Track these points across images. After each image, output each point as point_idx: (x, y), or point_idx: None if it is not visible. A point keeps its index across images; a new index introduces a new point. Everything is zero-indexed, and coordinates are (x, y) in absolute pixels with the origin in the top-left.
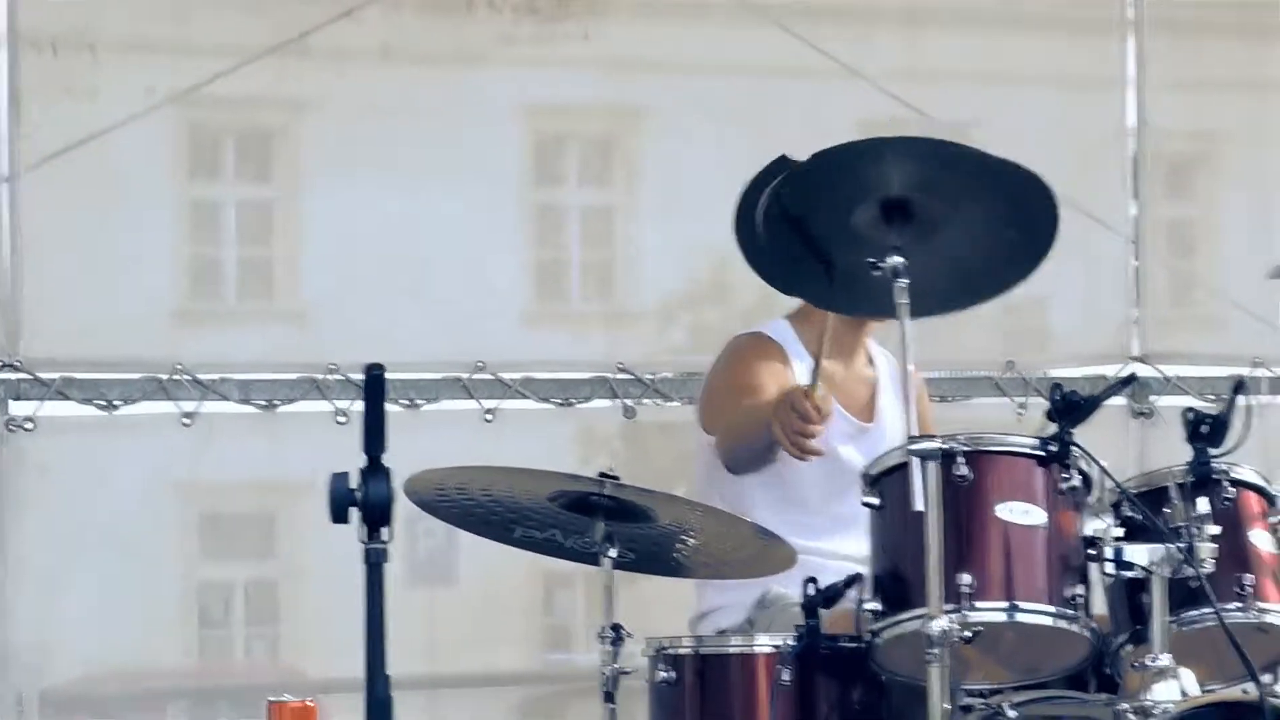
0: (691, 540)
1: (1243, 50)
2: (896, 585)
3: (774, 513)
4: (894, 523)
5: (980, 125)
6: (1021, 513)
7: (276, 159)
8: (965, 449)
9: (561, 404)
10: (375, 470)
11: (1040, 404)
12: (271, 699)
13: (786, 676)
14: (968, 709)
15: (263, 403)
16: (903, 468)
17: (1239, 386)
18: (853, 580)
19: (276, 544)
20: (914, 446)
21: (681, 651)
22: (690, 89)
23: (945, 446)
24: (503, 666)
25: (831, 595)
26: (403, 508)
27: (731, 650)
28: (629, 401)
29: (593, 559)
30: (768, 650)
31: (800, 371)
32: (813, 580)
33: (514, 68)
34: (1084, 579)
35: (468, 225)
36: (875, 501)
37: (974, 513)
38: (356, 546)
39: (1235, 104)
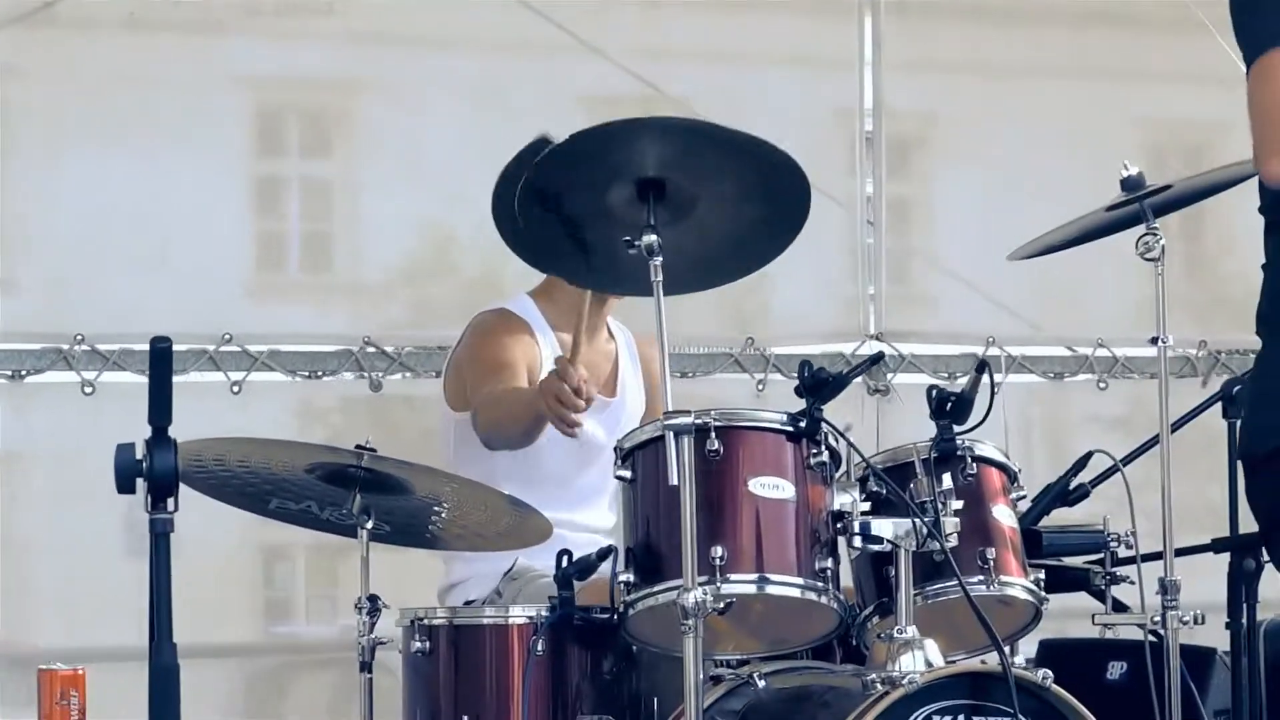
0: (446, 513)
1: (974, 33)
2: (649, 557)
3: (522, 486)
4: (646, 496)
5: (718, 103)
6: (772, 487)
7: (19, 129)
8: (717, 424)
9: (308, 377)
10: (161, 441)
11: (779, 380)
12: (41, 667)
13: (540, 647)
14: (718, 679)
15: (7, 373)
16: (655, 442)
17: (982, 365)
18: (606, 553)
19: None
20: (669, 422)
21: (436, 622)
22: (425, 63)
23: (699, 422)
24: (226, 638)
25: (585, 567)
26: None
27: (486, 621)
28: (376, 375)
29: (349, 530)
30: (522, 621)
31: (545, 346)
32: (567, 552)
33: (250, 38)
34: (833, 552)
35: (202, 197)
36: (627, 475)
37: (726, 487)
38: (82, 518)
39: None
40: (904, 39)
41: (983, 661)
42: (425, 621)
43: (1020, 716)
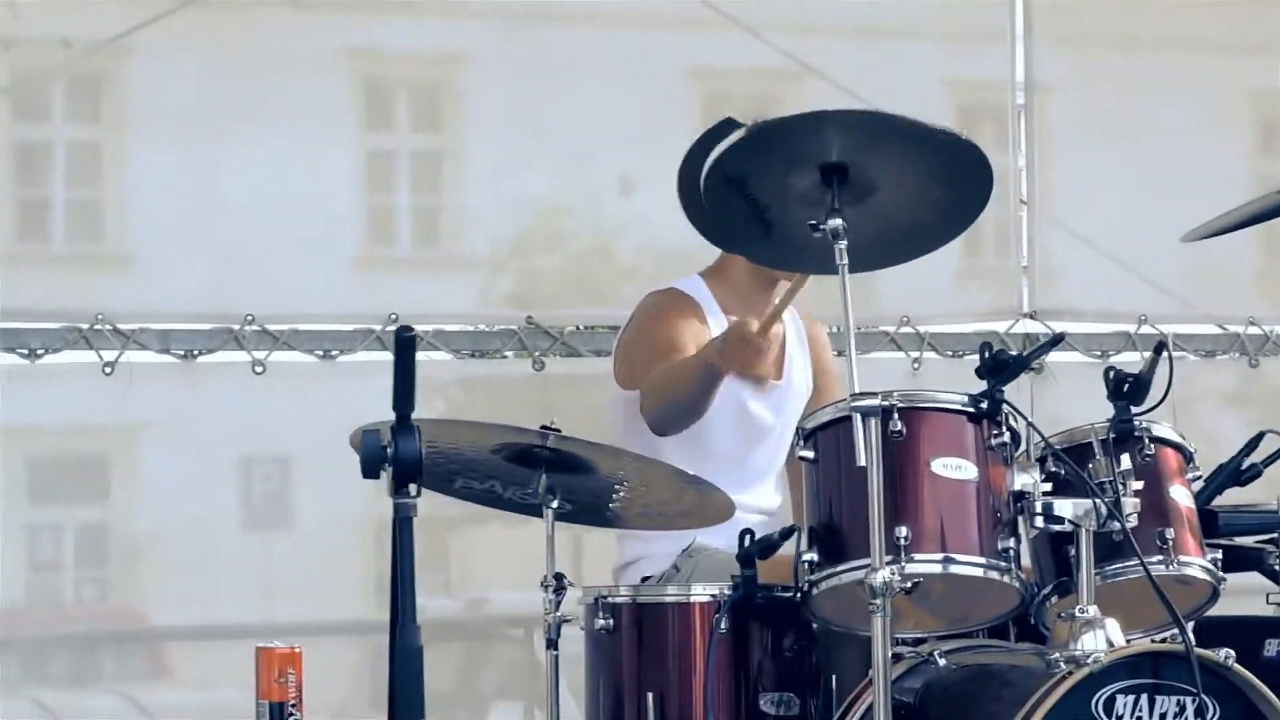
0: (627, 492)
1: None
2: (832, 537)
3: (690, 467)
4: (829, 476)
5: (866, 78)
6: (955, 468)
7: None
8: (901, 405)
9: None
10: (404, 427)
11: (934, 359)
12: (259, 644)
13: (724, 625)
14: (898, 657)
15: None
16: (837, 423)
17: (1160, 346)
18: (788, 532)
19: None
20: (856, 404)
21: (619, 600)
22: (531, 36)
23: (884, 404)
24: (342, 614)
25: (767, 546)
26: (238, 454)
27: (669, 599)
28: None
29: (530, 509)
30: (705, 599)
31: (715, 328)
32: (749, 531)
33: (358, 14)
34: (1014, 532)
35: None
36: (810, 455)
37: (909, 467)
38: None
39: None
40: (1055, 12)
41: (1164, 640)
42: (609, 599)
43: (1204, 695)
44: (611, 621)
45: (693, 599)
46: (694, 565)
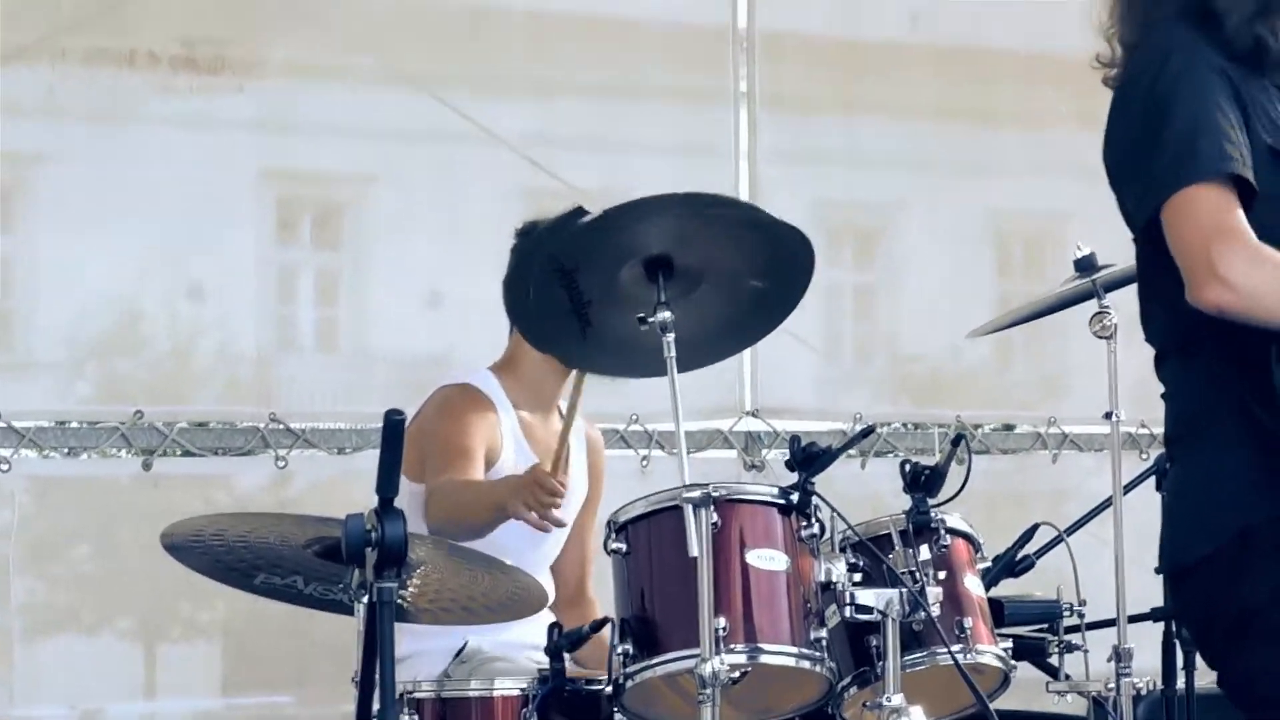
0: (419, 582)
1: (846, 124)
2: (647, 629)
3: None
4: (643, 568)
5: (608, 191)
6: (768, 559)
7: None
8: (717, 496)
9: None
10: (389, 511)
11: (661, 456)
12: None
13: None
14: None
15: None
16: (652, 515)
17: (958, 439)
18: (599, 625)
19: None
20: (687, 495)
21: (423, 695)
22: None
23: (715, 495)
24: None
25: (576, 640)
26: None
27: (473, 693)
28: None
29: (333, 604)
30: (513, 693)
31: (506, 424)
32: (557, 625)
33: None
34: (824, 622)
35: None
36: (622, 548)
37: (724, 559)
38: None
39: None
40: (779, 129)
41: None
42: (413, 695)
43: None
44: (416, 718)
45: (496, 693)
46: (468, 671)
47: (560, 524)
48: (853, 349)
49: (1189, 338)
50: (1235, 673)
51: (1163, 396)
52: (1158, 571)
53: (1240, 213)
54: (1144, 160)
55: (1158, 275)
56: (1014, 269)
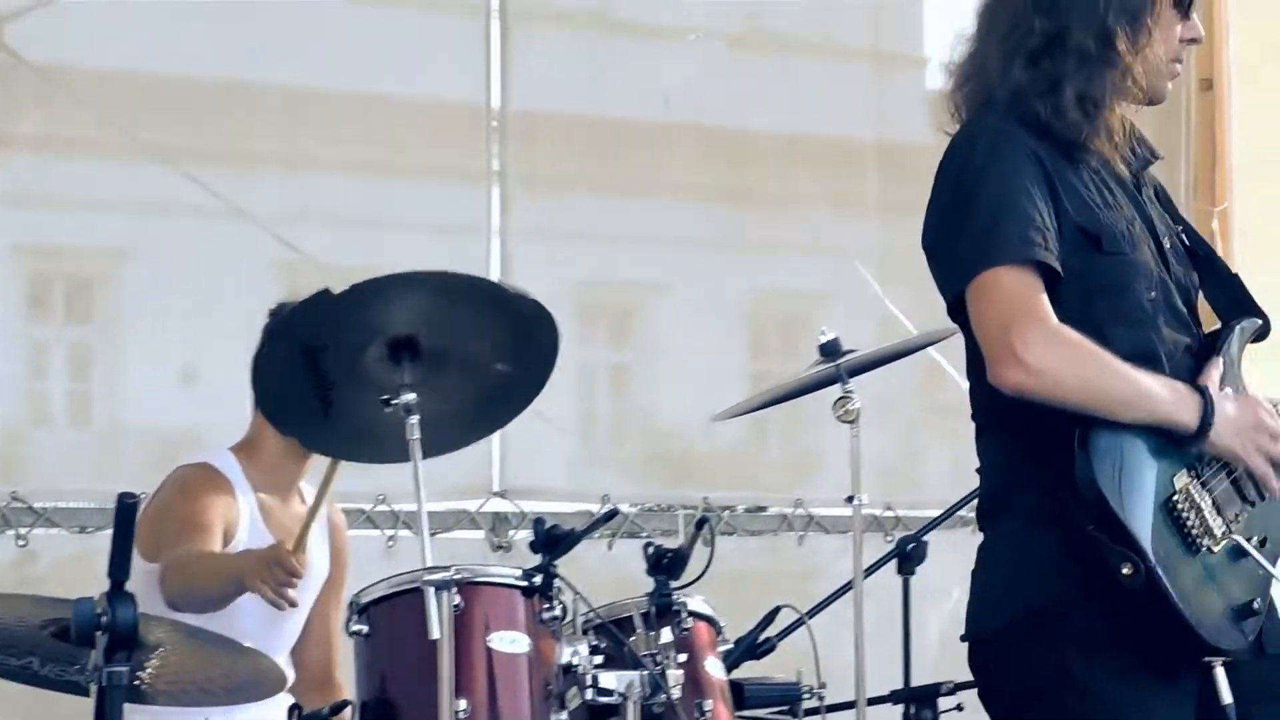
0: (158, 664)
1: (598, 204)
2: (387, 712)
3: None
4: (384, 650)
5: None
6: (510, 641)
7: None
8: (459, 579)
9: None
10: (120, 595)
11: (408, 536)
12: None
13: None
14: None
15: None
16: (394, 597)
17: (701, 521)
18: (339, 707)
19: None
20: (429, 577)
21: None
22: None
23: (456, 577)
24: None
25: None
26: None
27: None
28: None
29: (69, 686)
30: None
31: (245, 505)
32: (297, 707)
33: None
34: (564, 704)
35: None
36: (364, 630)
37: (466, 641)
38: None
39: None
40: (531, 208)
41: None
42: None
43: None
44: None
45: None
46: None
47: (294, 604)
48: (608, 429)
49: (999, 414)
50: None
51: (977, 470)
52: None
53: (1042, 296)
54: (951, 241)
55: (970, 353)
56: (769, 349)
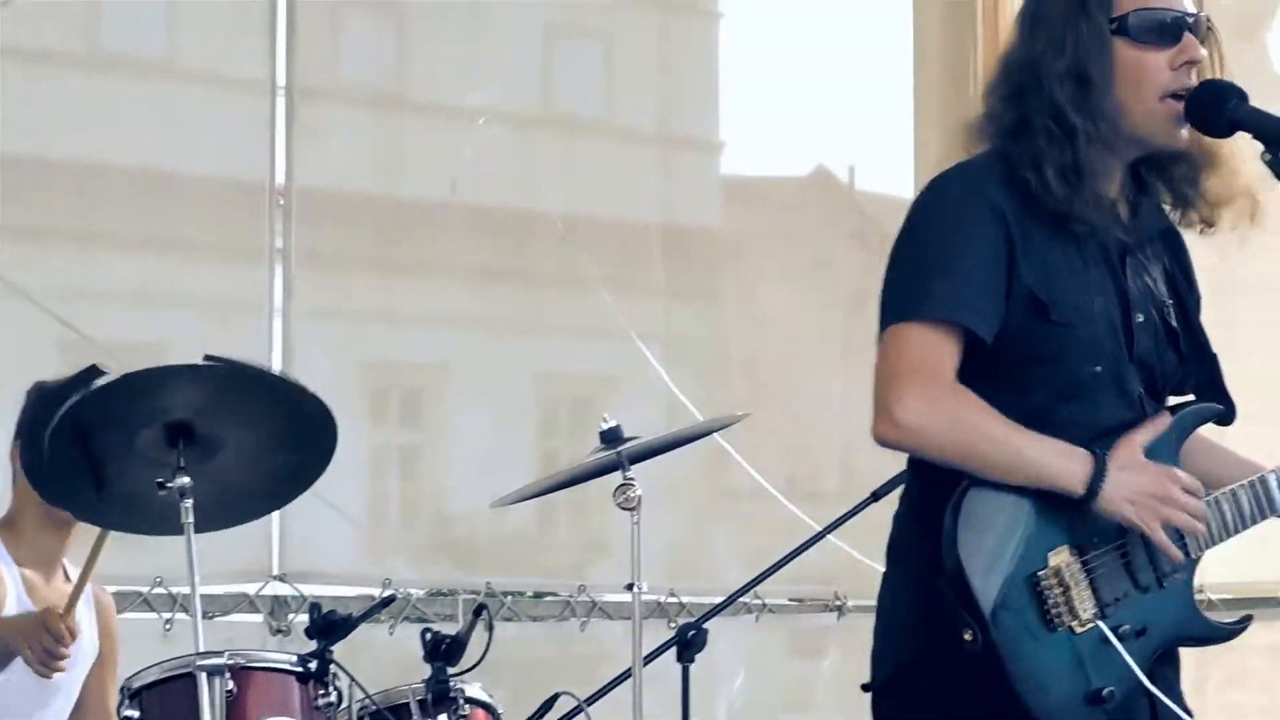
0: None
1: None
2: None
3: None
4: None
5: (143, 346)
6: None
7: None
8: (231, 664)
9: None
10: None
11: (184, 619)
12: None
13: None
14: None
15: None
16: (166, 682)
17: (480, 608)
18: None
19: None
20: (202, 662)
21: None
22: None
23: (229, 663)
24: None
25: None
26: None
27: None
28: None
29: None
30: None
31: (9, 580)
32: None
33: None
34: None
35: None
36: (135, 715)
37: None
38: None
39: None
40: (315, 288)
41: None
42: None
43: None
44: None
45: None
46: None
47: (61, 670)
48: (395, 511)
49: (912, 466)
50: None
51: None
52: None
53: (946, 355)
54: (887, 287)
55: None
56: (559, 429)
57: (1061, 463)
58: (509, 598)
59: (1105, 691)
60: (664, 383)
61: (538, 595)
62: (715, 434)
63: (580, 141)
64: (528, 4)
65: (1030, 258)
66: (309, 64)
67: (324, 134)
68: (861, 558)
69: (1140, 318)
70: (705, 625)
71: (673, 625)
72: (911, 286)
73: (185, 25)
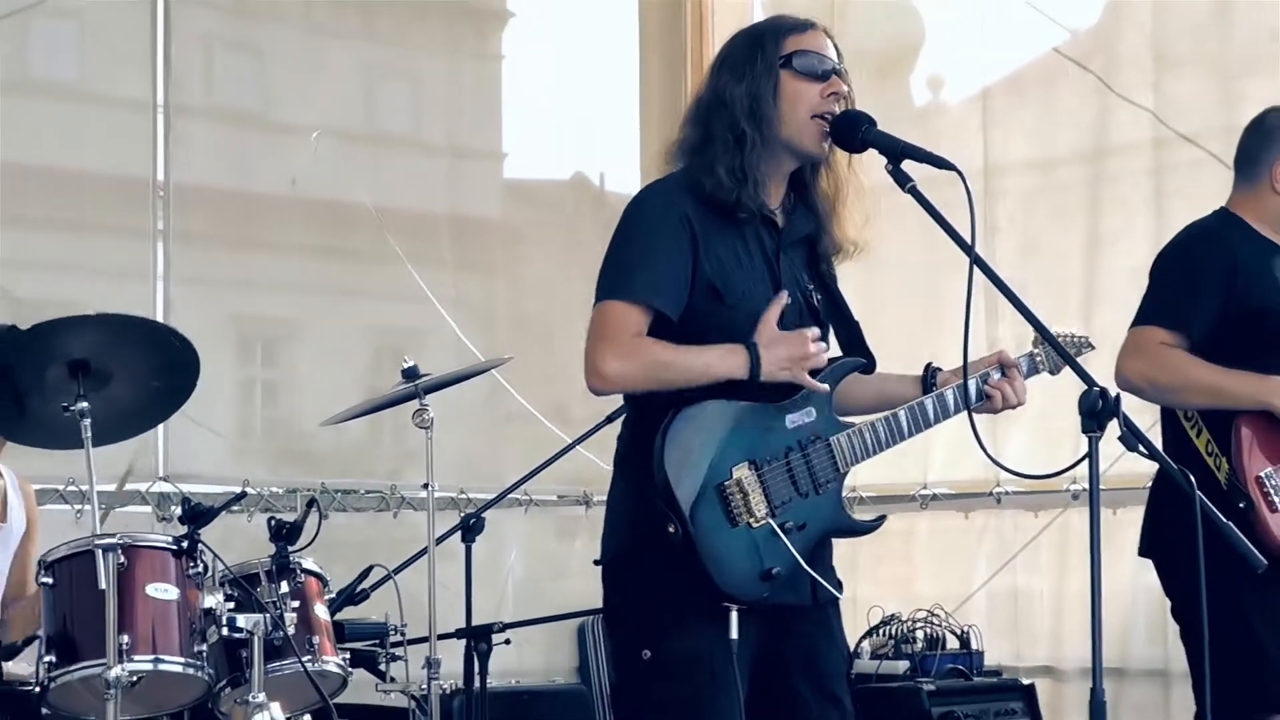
0: None
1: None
2: (67, 643)
3: None
4: (65, 597)
5: (53, 304)
6: (163, 591)
7: None
8: (122, 544)
9: None
10: None
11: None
12: None
13: None
14: None
15: None
16: (74, 557)
17: (312, 502)
18: (30, 639)
19: None
20: (100, 541)
21: None
22: None
23: (120, 542)
24: None
25: (10, 651)
26: None
27: None
28: None
29: None
30: None
31: None
32: None
33: None
34: (205, 638)
35: None
36: (50, 581)
37: (128, 591)
38: None
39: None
40: (188, 260)
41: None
42: None
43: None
44: None
45: None
46: None
47: None
48: (259, 428)
49: (629, 398)
50: (611, 654)
51: None
52: None
53: (634, 325)
54: (602, 273)
55: None
56: (382, 370)
57: (729, 359)
58: (339, 494)
59: (774, 571)
60: (455, 334)
61: (360, 492)
62: (493, 370)
63: (392, 151)
64: (354, 47)
65: (709, 255)
66: (184, 87)
67: (195, 141)
68: (602, 464)
69: (787, 299)
70: (484, 515)
71: (462, 514)
72: (619, 274)
73: (90, 57)
